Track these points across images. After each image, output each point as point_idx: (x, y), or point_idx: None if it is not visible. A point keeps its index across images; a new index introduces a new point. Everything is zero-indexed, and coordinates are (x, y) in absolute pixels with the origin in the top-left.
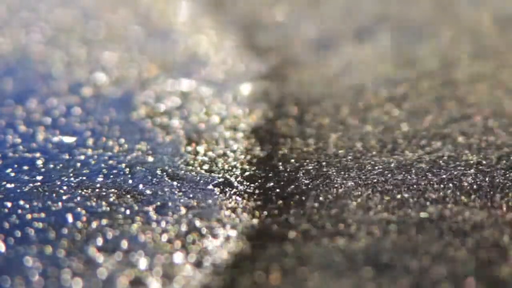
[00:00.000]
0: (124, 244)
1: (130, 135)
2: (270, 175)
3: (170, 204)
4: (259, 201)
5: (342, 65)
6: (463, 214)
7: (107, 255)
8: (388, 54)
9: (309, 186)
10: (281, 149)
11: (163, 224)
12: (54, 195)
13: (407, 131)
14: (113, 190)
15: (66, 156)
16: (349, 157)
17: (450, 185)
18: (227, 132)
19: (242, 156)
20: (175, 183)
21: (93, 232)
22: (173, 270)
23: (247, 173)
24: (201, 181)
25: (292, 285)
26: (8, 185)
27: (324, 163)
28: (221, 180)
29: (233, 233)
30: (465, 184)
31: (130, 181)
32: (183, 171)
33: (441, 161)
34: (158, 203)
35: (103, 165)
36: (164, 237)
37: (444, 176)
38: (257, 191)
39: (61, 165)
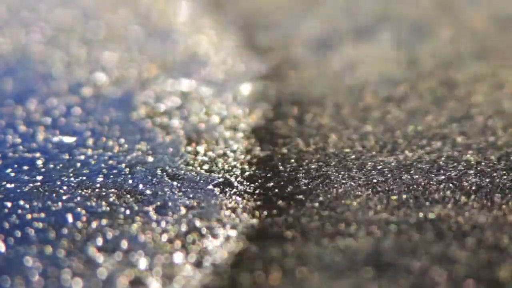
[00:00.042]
0: (124, 244)
1: (130, 135)
2: (270, 175)
3: (170, 204)
4: (259, 201)
5: (342, 65)
6: (463, 214)
7: (107, 255)
8: (388, 54)
9: (309, 186)
10: (281, 149)
11: (163, 224)
12: (54, 195)
13: (407, 131)
14: (113, 190)
15: (66, 156)
16: (349, 157)
17: (450, 185)
18: (227, 132)
19: (242, 156)
20: (175, 183)
21: (93, 232)
22: (173, 270)
23: (247, 173)
24: (201, 181)
25: (292, 285)
26: (8, 185)
27: (324, 163)
28: (221, 180)
29: (233, 233)
30: (465, 184)
31: (130, 181)
32: (183, 171)
33: (441, 161)
34: (158, 203)
35: (103, 165)
36: (164, 237)
37: (444, 176)
38: (257, 191)
39: (61, 165)
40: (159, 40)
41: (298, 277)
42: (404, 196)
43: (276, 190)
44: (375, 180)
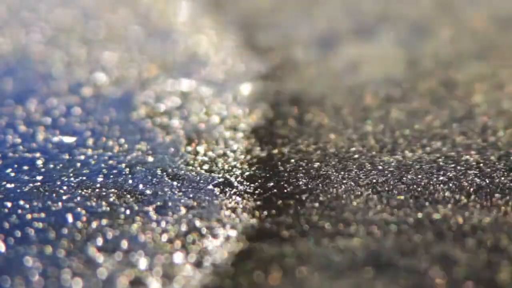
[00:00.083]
0: (124, 244)
1: (130, 135)
2: (270, 175)
3: (170, 204)
4: (259, 201)
5: (342, 65)
6: (463, 214)
7: (107, 255)
8: (388, 54)
9: (309, 186)
10: (281, 149)
11: (163, 224)
12: (54, 195)
13: (407, 131)
14: (113, 190)
15: (66, 156)
16: (349, 157)
17: (450, 185)
18: (227, 132)
19: (242, 156)
20: (175, 183)
21: (93, 232)
22: (173, 270)
23: (247, 173)
24: (201, 181)
25: (292, 285)
26: (8, 185)
27: (324, 163)
28: (221, 180)
29: (233, 233)
30: (465, 184)
31: (130, 181)
32: (183, 171)
33: (441, 161)
34: (158, 203)
35: (103, 165)
36: (164, 237)
37: (444, 176)
38: (257, 191)
39: (61, 165)
40: (159, 40)
41: (298, 277)
42: (404, 196)
43: (276, 190)
44: (375, 180)
